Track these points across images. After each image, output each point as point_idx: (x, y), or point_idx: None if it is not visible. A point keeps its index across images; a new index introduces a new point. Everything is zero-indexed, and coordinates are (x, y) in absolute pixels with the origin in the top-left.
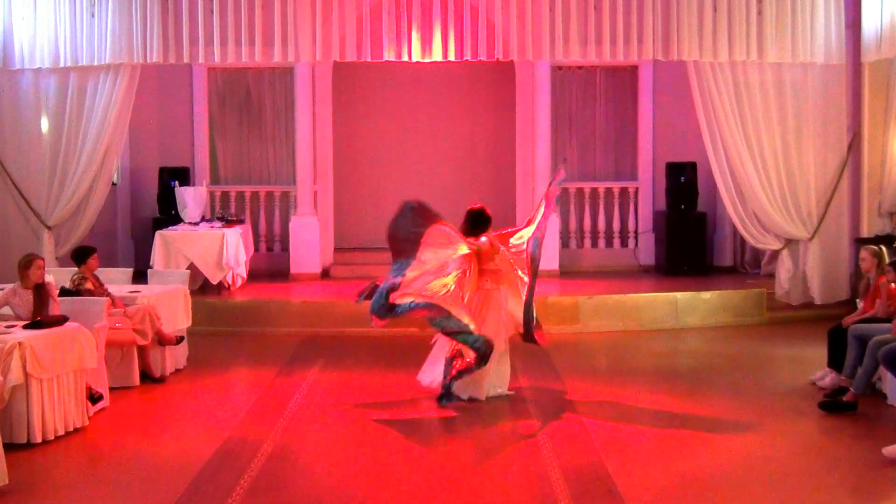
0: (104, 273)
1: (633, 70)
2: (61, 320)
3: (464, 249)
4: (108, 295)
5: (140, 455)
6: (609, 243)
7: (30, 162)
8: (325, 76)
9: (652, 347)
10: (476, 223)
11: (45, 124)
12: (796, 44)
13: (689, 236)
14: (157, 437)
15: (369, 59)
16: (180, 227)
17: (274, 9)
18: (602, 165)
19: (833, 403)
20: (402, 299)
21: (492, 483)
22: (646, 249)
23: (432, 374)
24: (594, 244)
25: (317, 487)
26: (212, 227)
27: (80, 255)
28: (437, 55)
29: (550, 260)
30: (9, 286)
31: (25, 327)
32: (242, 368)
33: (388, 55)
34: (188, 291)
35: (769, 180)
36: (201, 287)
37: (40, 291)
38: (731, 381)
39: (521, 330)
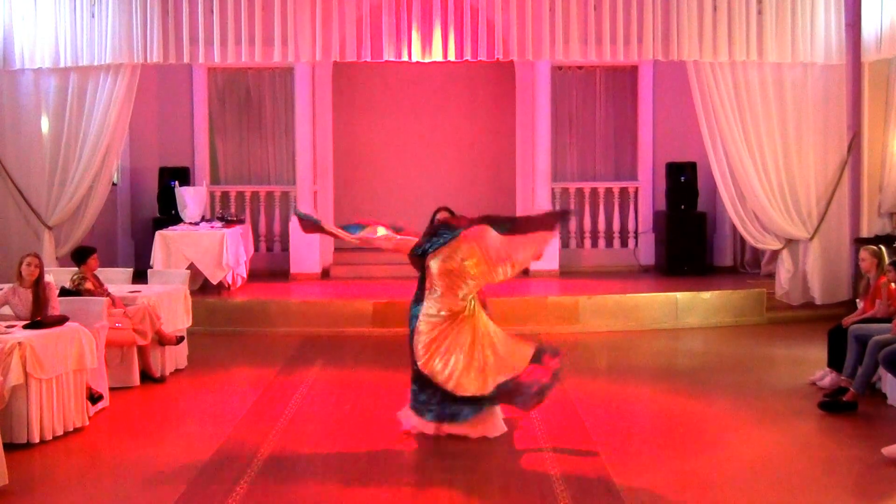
0: (104, 273)
1: (633, 70)
2: (61, 320)
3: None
4: (108, 295)
5: (140, 455)
6: (609, 243)
7: (30, 162)
8: (325, 76)
9: (652, 347)
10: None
11: (45, 124)
12: (796, 44)
13: (689, 236)
14: (157, 437)
15: (369, 59)
16: (180, 227)
17: (274, 9)
18: (602, 165)
19: (833, 403)
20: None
21: (492, 483)
22: (646, 249)
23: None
24: (594, 244)
25: (316, 487)
26: (212, 227)
27: (80, 255)
28: (437, 55)
29: (550, 260)
30: (8, 286)
31: (25, 327)
32: (242, 368)
33: (388, 55)
34: (188, 291)
35: (769, 180)
36: (201, 287)
37: (39, 291)
38: (731, 381)
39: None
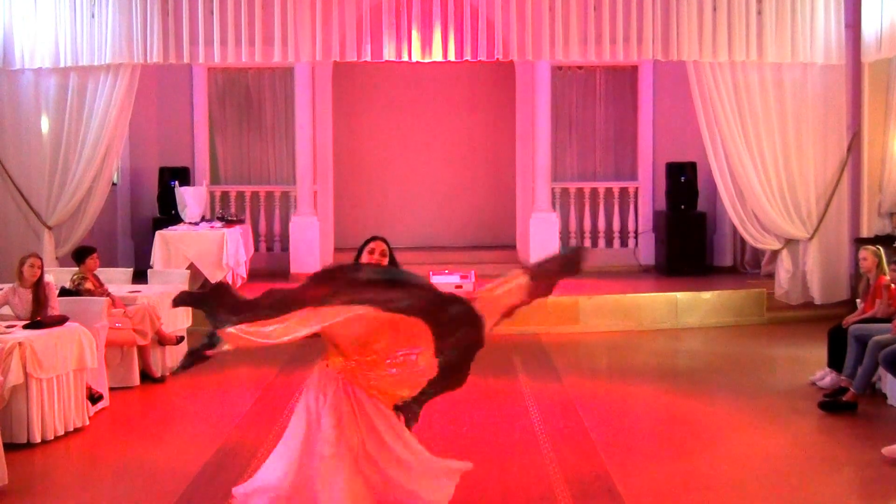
0: (104, 273)
1: (633, 70)
2: (61, 320)
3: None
4: (108, 295)
5: (140, 455)
6: (609, 243)
7: (30, 162)
8: (325, 76)
9: (652, 347)
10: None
11: (45, 124)
12: (796, 44)
13: (689, 236)
14: (157, 438)
15: (369, 59)
16: (180, 227)
17: (274, 9)
18: (602, 165)
19: (833, 403)
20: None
21: (492, 483)
22: (646, 249)
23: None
24: (594, 244)
25: None
26: (212, 227)
27: (79, 255)
28: (437, 55)
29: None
30: (8, 286)
31: (25, 327)
32: (242, 368)
33: (388, 55)
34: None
35: (769, 180)
36: (201, 287)
37: (39, 291)
38: (731, 381)
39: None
